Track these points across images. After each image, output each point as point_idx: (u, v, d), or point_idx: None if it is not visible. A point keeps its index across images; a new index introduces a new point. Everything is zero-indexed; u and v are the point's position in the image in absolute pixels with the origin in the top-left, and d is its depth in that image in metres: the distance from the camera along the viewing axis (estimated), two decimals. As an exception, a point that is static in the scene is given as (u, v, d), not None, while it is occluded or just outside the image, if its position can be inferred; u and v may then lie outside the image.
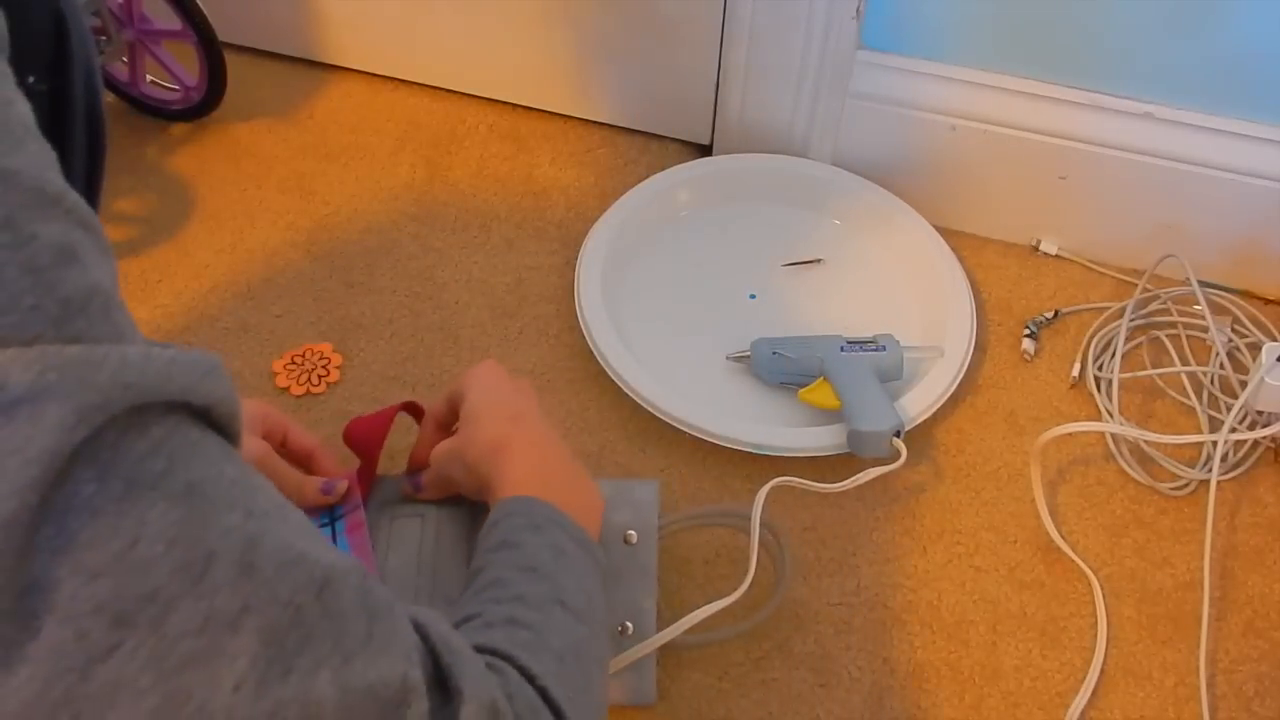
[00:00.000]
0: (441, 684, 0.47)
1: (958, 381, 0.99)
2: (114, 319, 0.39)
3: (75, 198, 0.39)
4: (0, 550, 0.34)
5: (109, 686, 0.36)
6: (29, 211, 0.37)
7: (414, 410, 0.88)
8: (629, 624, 0.79)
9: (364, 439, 0.86)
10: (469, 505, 0.82)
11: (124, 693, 0.36)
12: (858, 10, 1.03)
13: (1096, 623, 0.88)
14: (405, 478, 0.85)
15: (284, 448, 0.84)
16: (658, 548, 0.83)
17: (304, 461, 0.85)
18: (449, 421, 0.82)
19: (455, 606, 0.60)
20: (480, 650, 0.52)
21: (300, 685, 0.40)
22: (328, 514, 0.83)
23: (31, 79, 0.41)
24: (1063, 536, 0.92)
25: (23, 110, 0.39)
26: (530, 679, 0.52)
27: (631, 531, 0.82)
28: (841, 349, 0.98)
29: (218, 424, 0.42)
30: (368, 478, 0.85)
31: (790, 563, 0.87)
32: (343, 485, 0.83)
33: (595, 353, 0.99)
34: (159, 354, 0.39)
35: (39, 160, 0.39)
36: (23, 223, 0.37)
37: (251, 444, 0.79)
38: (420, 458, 0.84)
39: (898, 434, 0.93)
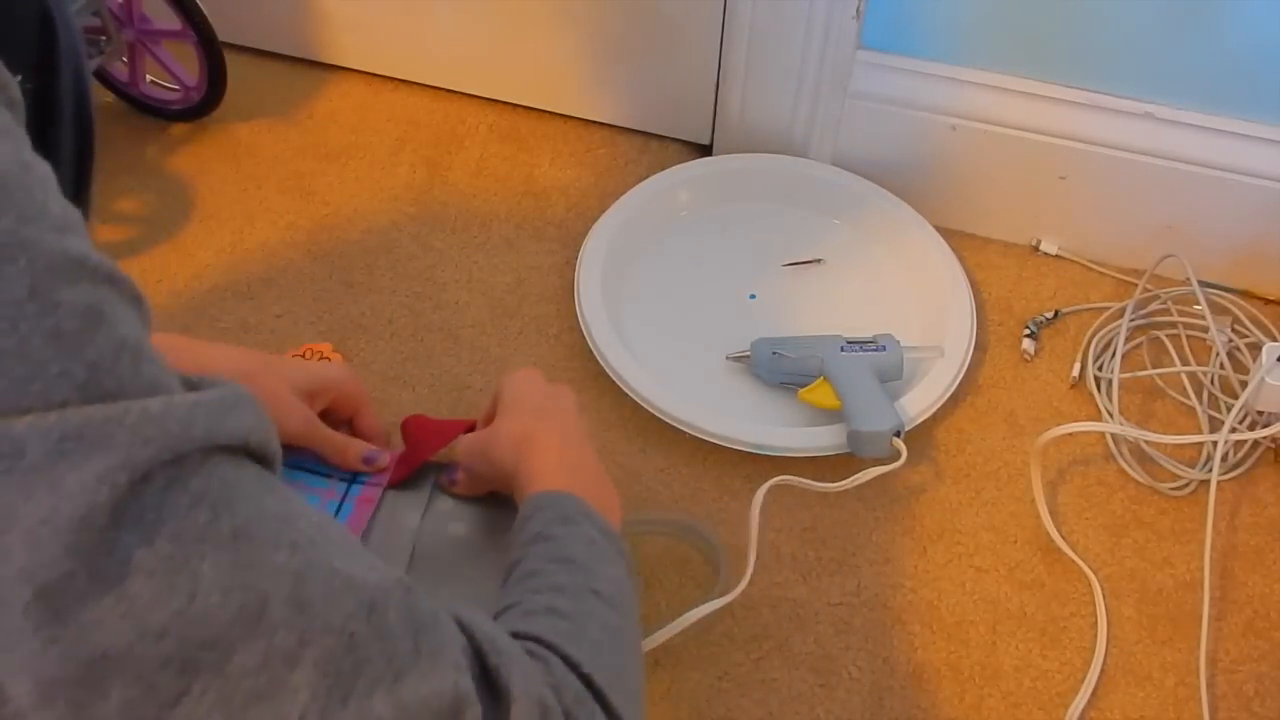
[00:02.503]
0: (490, 685, 0.47)
1: (958, 381, 0.99)
2: (143, 371, 0.40)
3: (98, 257, 0.40)
4: (45, 618, 0.35)
5: None
6: (53, 279, 0.37)
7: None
8: None
9: (420, 440, 0.86)
10: (485, 506, 0.83)
11: None
12: (858, 10, 1.03)
13: (1096, 623, 0.88)
14: (444, 469, 0.85)
15: (353, 422, 0.86)
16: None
17: (370, 439, 0.86)
18: None
19: (501, 594, 0.61)
20: (522, 637, 0.53)
21: (359, 709, 0.41)
22: (350, 476, 0.83)
23: (19, 78, 0.41)
24: (1063, 536, 0.92)
25: (43, 172, 0.40)
26: (573, 667, 0.53)
27: None
28: (841, 349, 0.98)
29: (254, 454, 0.43)
30: (405, 469, 0.85)
31: (726, 564, 0.88)
32: (384, 459, 0.83)
33: (595, 353, 0.99)
34: (180, 402, 0.39)
35: (61, 222, 0.39)
36: (47, 291, 0.37)
37: (295, 417, 0.79)
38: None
39: (898, 434, 0.93)
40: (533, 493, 0.70)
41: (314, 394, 0.81)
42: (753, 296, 1.07)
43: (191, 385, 0.42)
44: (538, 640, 0.53)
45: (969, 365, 1.00)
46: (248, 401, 0.43)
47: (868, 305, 1.06)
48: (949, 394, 0.98)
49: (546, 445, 0.74)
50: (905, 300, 1.07)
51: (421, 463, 0.85)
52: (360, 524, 0.80)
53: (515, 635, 0.52)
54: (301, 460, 0.83)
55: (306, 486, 0.82)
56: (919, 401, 0.96)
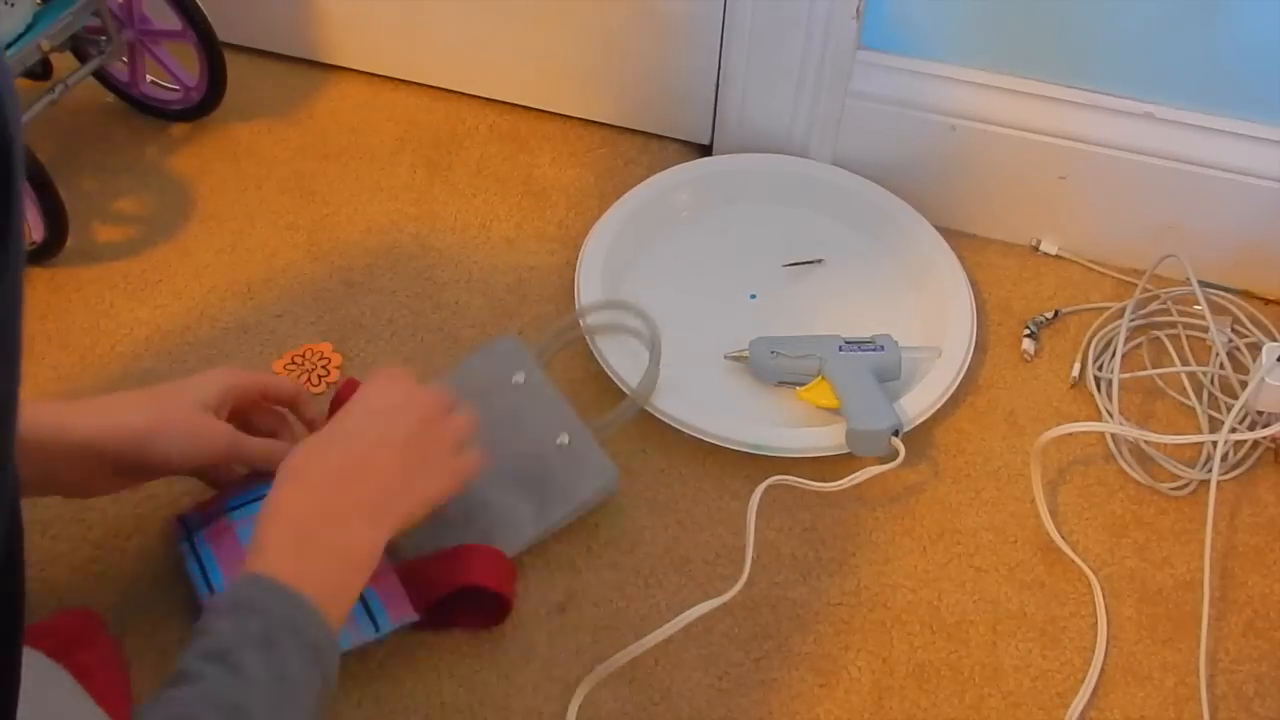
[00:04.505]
0: None
1: (958, 381, 0.99)
2: None
3: None
4: None
5: None
6: None
7: None
8: (564, 436, 0.90)
9: (434, 577, 0.83)
10: None
11: None
12: (858, 10, 1.03)
13: (1096, 623, 0.88)
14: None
15: (265, 401, 0.85)
16: (548, 378, 0.94)
17: (289, 404, 0.86)
18: None
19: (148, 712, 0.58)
20: None
21: None
22: None
23: None
24: (1063, 536, 0.92)
25: None
26: None
27: (518, 375, 0.93)
28: (840, 349, 0.98)
29: None
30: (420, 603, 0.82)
31: (658, 355, 0.95)
32: None
33: (595, 352, 0.99)
34: None
35: None
36: None
37: (218, 433, 0.79)
38: None
39: (896, 433, 0.93)
40: (250, 573, 0.65)
41: (220, 405, 0.80)
42: (753, 296, 1.07)
43: None
44: None
45: (969, 365, 1.00)
46: None
47: (868, 305, 1.06)
48: (949, 394, 0.98)
49: (299, 486, 0.70)
50: (906, 300, 1.07)
51: (437, 601, 0.81)
52: None
53: None
54: (237, 498, 0.83)
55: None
56: (919, 402, 0.96)
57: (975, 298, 1.05)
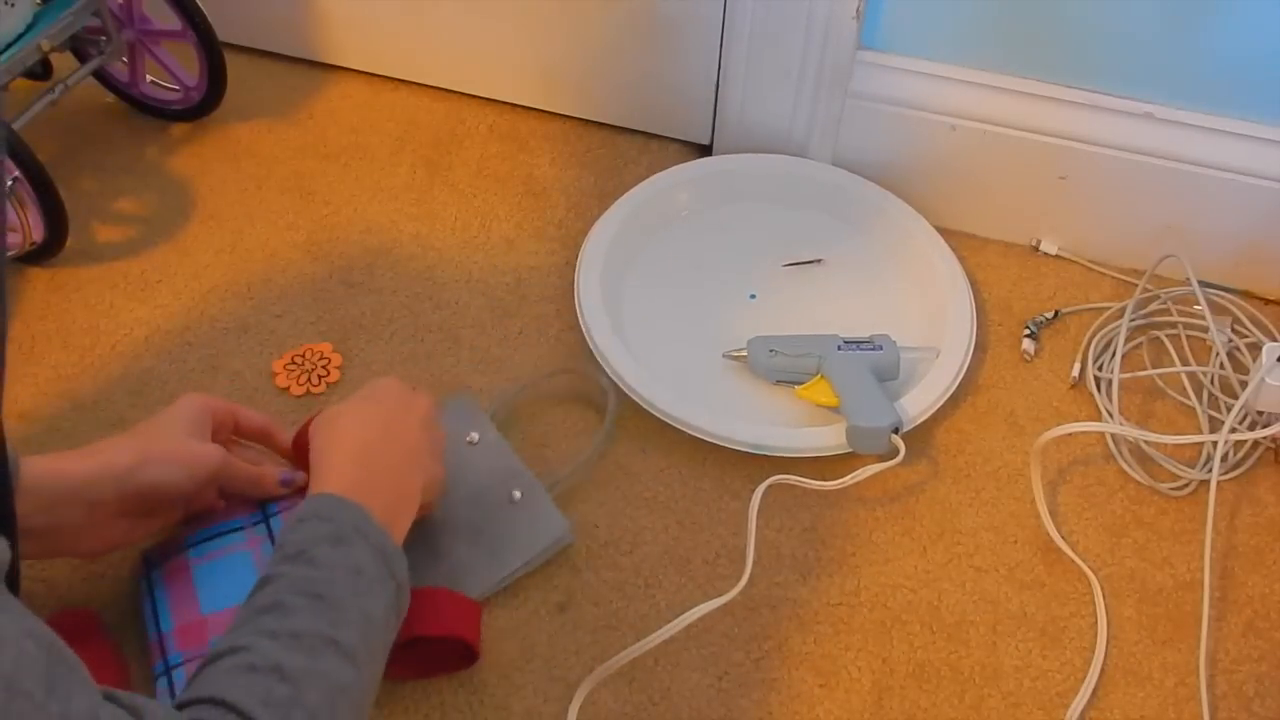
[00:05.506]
0: None
1: (958, 382, 0.99)
2: None
3: None
4: None
5: None
6: None
7: None
8: (517, 492, 0.90)
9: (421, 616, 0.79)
10: None
11: None
12: (858, 10, 1.03)
13: (1096, 623, 0.88)
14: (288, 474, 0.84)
15: (238, 431, 0.85)
16: (501, 436, 0.93)
17: (260, 439, 0.86)
18: None
19: (232, 629, 0.61)
20: (225, 707, 0.55)
21: None
22: (260, 515, 0.83)
23: None
24: (1063, 536, 0.92)
25: None
26: None
27: (473, 434, 0.93)
28: (839, 348, 0.98)
29: None
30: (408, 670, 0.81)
31: (615, 404, 0.96)
32: (302, 478, 0.82)
33: (595, 353, 0.99)
34: None
35: None
36: None
37: (208, 453, 0.79)
38: None
39: (896, 430, 0.93)
40: (316, 492, 0.70)
41: (202, 427, 0.80)
42: (753, 296, 1.07)
43: None
44: (238, 712, 0.55)
45: (969, 365, 1.00)
46: None
47: (869, 306, 1.06)
48: (949, 394, 0.98)
49: (345, 429, 0.75)
50: (906, 300, 1.07)
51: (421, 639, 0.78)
52: None
53: (216, 702, 0.55)
54: (207, 530, 0.82)
55: (228, 549, 0.81)
56: (919, 401, 0.96)
57: (975, 298, 1.05)
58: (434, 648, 0.80)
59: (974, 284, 1.08)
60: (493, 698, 0.82)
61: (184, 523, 0.84)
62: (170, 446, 0.78)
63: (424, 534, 0.84)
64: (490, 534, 0.88)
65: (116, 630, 0.83)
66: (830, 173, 1.14)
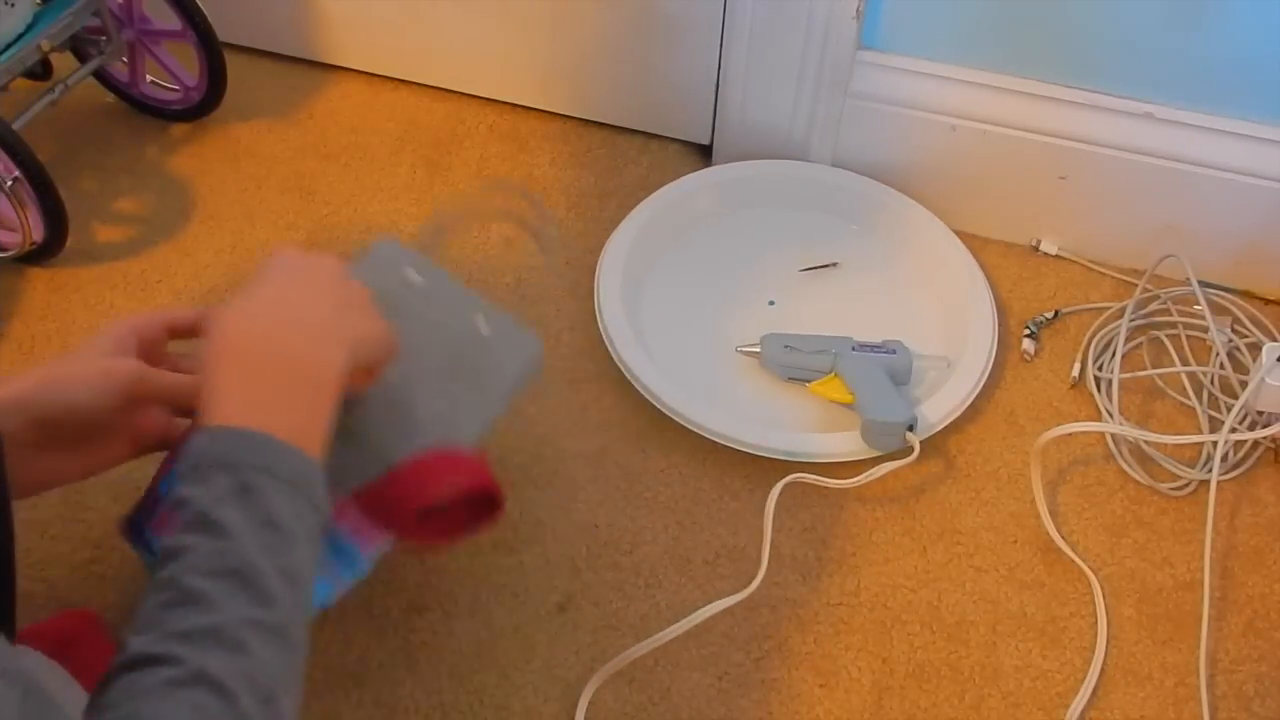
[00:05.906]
0: None
1: (980, 385, 0.98)
2: None
3: None
4: None
5: None
6: None
7: None
8: (481, 322, 0.82)
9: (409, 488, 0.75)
10: None
11: None
12: (858, 10, 1.03)
13: (1096, 623, 0.88)
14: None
15: (174, 335, 0.78)
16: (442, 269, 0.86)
17: (194, 331, 0.79)
18: None
19: (144, 624, 0.54)
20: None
21: None
22: None
23: None
24: (1063, 536, 0.92)
25: None
26: None
27: (410, 274, 0.84)
28: (853, 349, 0.98)
29: None
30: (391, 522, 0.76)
31: (553, 238, 0.90)
32: None
33: (615, 357, 0.99)
34: None
35: None
36: None
37: (118, 367, 0.73)
38: None
39: (911, 428, 0.93)
40: (204, 428, 0.60)
41: (121, 349, 0.74)
42: (772, 303, 1.07)
43: None
44: None
45: (972, 368, 1.00)
46: None
47: (887, 310, 1.06)
48: (969, 401, 0.97)
49: (229, 335, 0.64)
50: (924, 303, 1.07)
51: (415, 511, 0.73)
52: None
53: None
54: (165, 478, 0.78)
55: None
56: (939, 408, 0.96)
57: (995, 301, 1.05)
58: (451, 514, 0.75)
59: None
60: (493, 698, 0.82)
61: (137, 455, 0.78)
62: (80, 364, 0.72)
63: (389, 399, 0.76)
64: (468, 374, 0.81)
65: (116, 630, 0.83)
66: (847, 178, 1.13)
